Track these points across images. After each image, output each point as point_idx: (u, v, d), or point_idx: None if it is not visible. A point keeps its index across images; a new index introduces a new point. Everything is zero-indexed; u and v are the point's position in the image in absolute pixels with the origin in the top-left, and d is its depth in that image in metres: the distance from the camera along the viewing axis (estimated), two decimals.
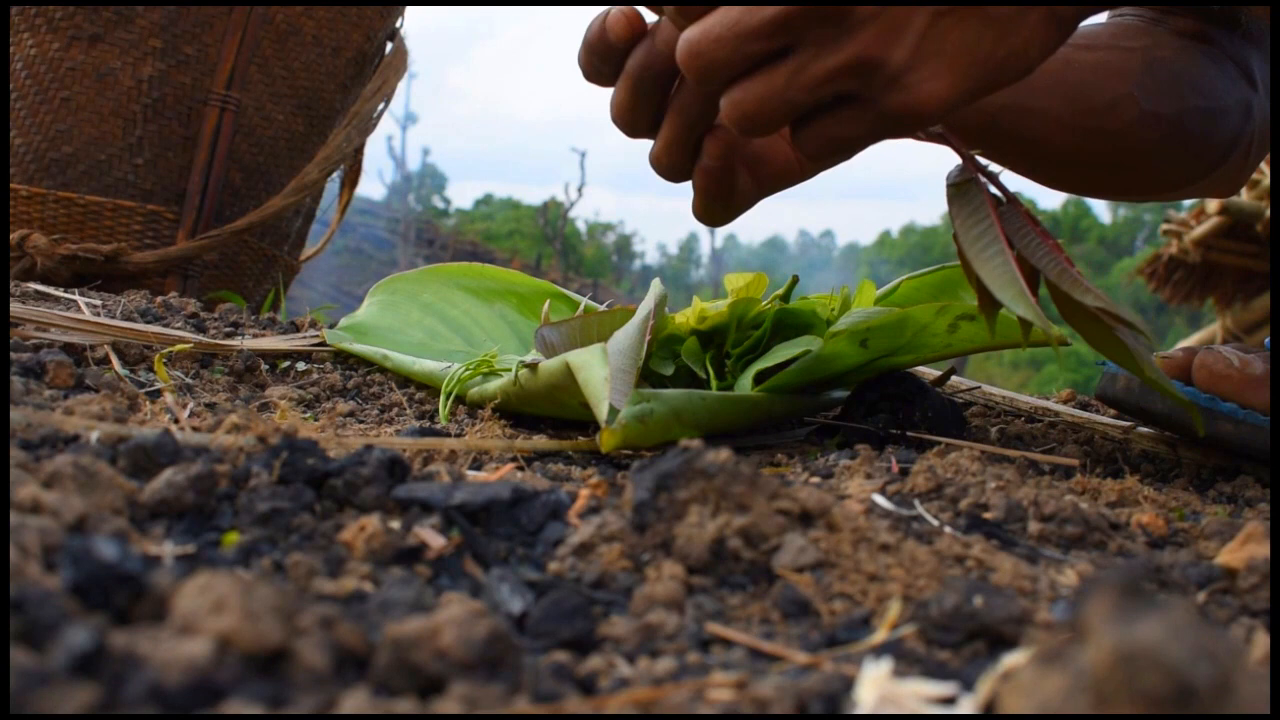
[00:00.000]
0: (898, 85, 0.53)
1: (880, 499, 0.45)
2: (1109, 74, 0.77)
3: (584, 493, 0.42)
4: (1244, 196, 2.99)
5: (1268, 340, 0.84)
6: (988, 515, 0.45)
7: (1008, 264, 0.58)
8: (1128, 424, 0.82)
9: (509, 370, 0.69)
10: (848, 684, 0.26)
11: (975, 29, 0.52)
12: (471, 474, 0.46)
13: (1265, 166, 2.79)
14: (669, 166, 0.63)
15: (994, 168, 0.62)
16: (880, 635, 0.31)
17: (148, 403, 0.60)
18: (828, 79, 0.53)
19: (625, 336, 0.64)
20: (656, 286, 0.74)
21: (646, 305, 0.70)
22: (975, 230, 0.60)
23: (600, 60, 0.62)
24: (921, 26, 0.52)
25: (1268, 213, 2.92)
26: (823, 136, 0.56)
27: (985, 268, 0.59)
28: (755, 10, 0.51)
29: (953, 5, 0.52)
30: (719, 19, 0.53)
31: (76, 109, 1.48)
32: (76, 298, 0.99)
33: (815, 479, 0.53)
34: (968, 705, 0.25)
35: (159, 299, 1.07)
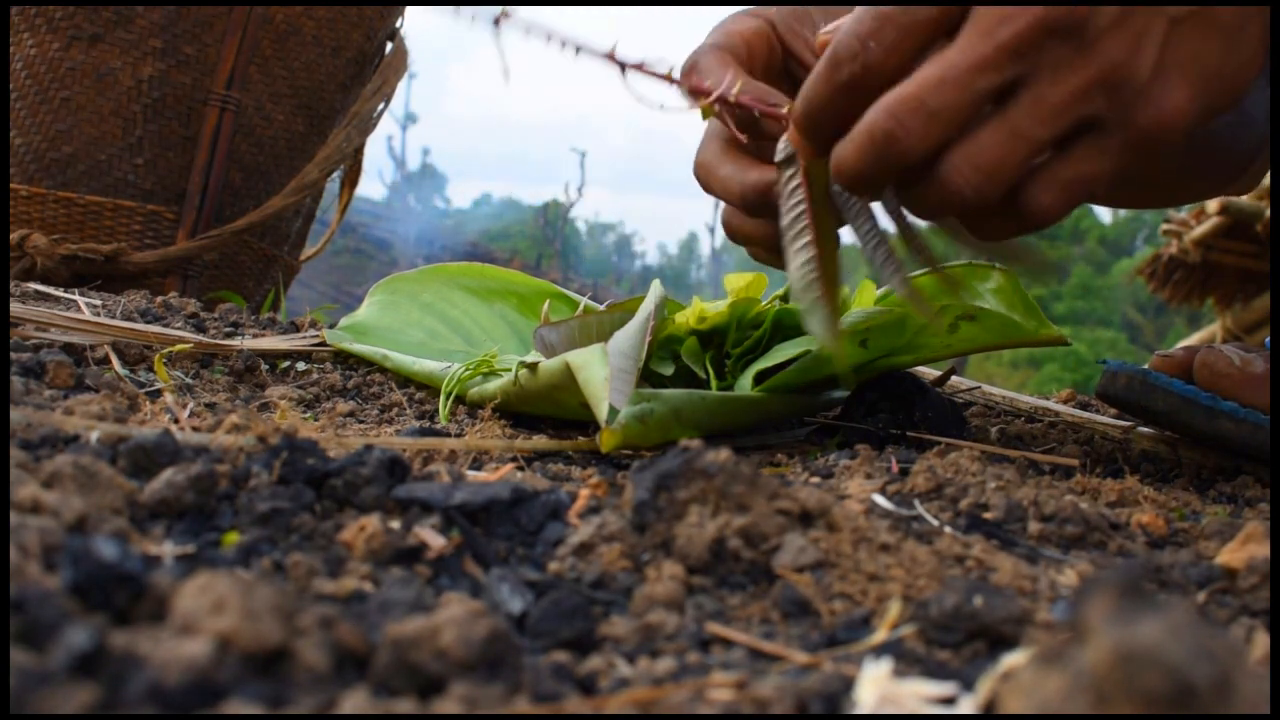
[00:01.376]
0: (1146, 99, 0.47)
1: (880, 499, 0.45)
2: None
3: (584, 493, 0.42)
4: (1244, 196, 2.99)
5: (1268, 340, 0.84)
6: (988, 515, 0.45)
7: (810, 262, 0.53)
8: (1128, 424, 0.82)
9: (509, 370, 0.69)
10: (848, 684, 0.26)
11: (1208, 38, 0.48)
12: (471, 474, 0.46)
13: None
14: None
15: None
16: (880, 635, 0.31)
17: (148, 403, 0.60)
18: (1073, 103, 0.47)
19: (625, 336, 0.64)
20: (656, 287, 0.74)
21: (647, 306, 0.70)
22: (789, 216, 0.55)
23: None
24: (1162, 33, 0.47)
25: (1268, 213, 2.92)
26: (1066, 182, 0.49)
27: (791, 262, 0.54)
28: (987, 38, 0.46)
29: (1187, 13, 0.47)
30: (935, 66, 0.46)
31: (76, 109, 1.48)
32: (76, 298, 0.99)
33: (815, 479, 0.53)
34: (968, 705, 0.25)
35: (159, 299, 1.07)
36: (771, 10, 0.66)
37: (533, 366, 0.65)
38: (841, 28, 0.49)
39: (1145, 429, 0.80)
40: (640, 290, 0.75)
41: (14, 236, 1.41)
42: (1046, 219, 0.50)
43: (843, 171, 0.50)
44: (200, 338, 0.83)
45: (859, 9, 0.49)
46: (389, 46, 1.70)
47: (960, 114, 0.47)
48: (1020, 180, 0.49)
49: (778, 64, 0.65)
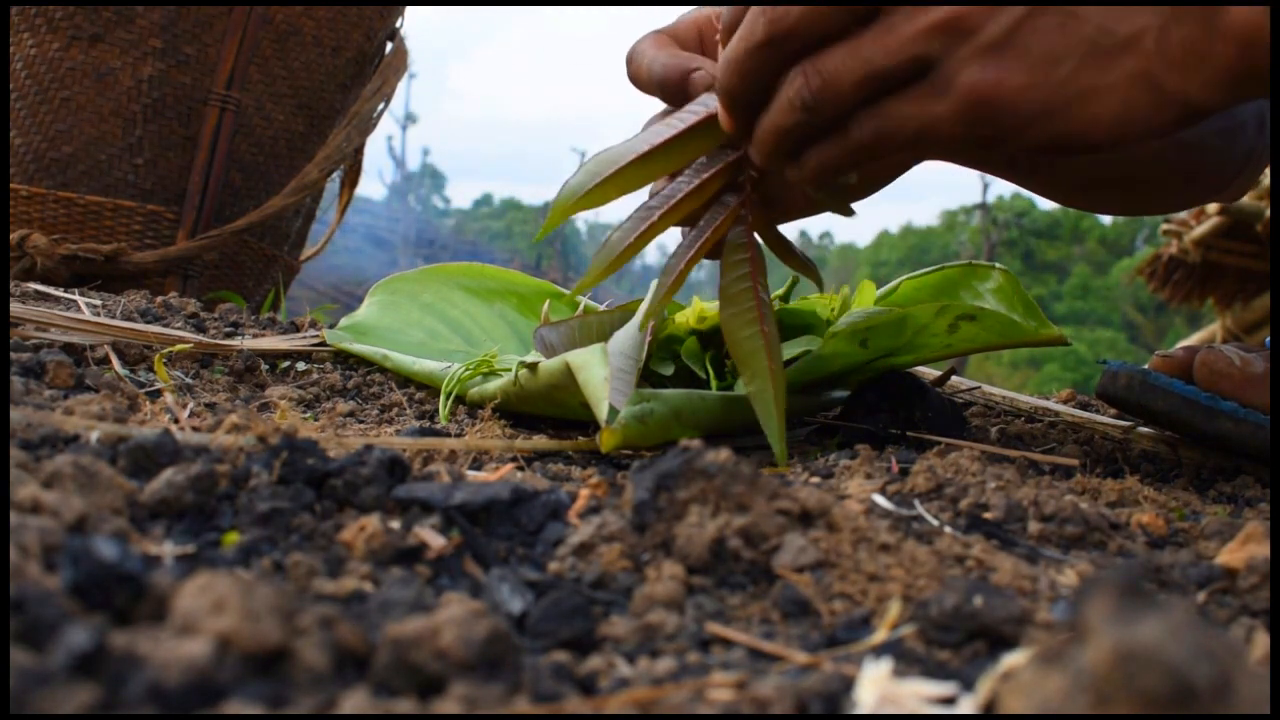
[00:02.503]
0: (980, 62, 0.50)
1: (880, 499, 0.45)
2: None
3: (584, 493, 0.42)
4: (1244, 197, 2.99)
5: (1268, 340, 0.84)
6: (988, 515, 0.45)
7: (763, 363, 0.57)
8: (1128, 424, 0.82)
9: (509, 370, 0.69)
10: (848, 684, 0.26)
11: (1069, 41, 0.49)
12: (471, 474, 0.46)
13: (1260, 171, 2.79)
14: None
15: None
16: (880, 635, 0.31)
17: (148, 403, 0.60)
18: (917, 37, 0.50)
19: (625, 336, 0.64)
20: (655, 286, 0.74)
21: (646, 306, 0.70)
22: (736, 306, 0.59)
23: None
24: (1022, 11, 0.49)
25: (1268, 213, 2.92)
26: (888, 117, 0.52)
27: (740, 349, 0.57)
28: None
29: (1056, 7, 0.49)
30: None
31: (76, 109, 1.48)
32: (76, 298, 0.99)
33: (815, 479, 0.53)
34: (968, 705, 0.25)
35: (159, 299, 1.07)
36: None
37: (533, 366, 0.65)
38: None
39: (1145, 429, 0.80)
40: (640, 290, 0.75)
41: (14, 236, 1.41)
42: (864, 144, 0.53)
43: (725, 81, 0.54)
44: (200, 338, 0.83)
45: None
46: (389, 46, 1.70)
47: (813, 30, 0.51)
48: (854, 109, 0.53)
49: None
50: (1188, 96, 0.49)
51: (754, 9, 0.52)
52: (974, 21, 0.49)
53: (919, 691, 0.26)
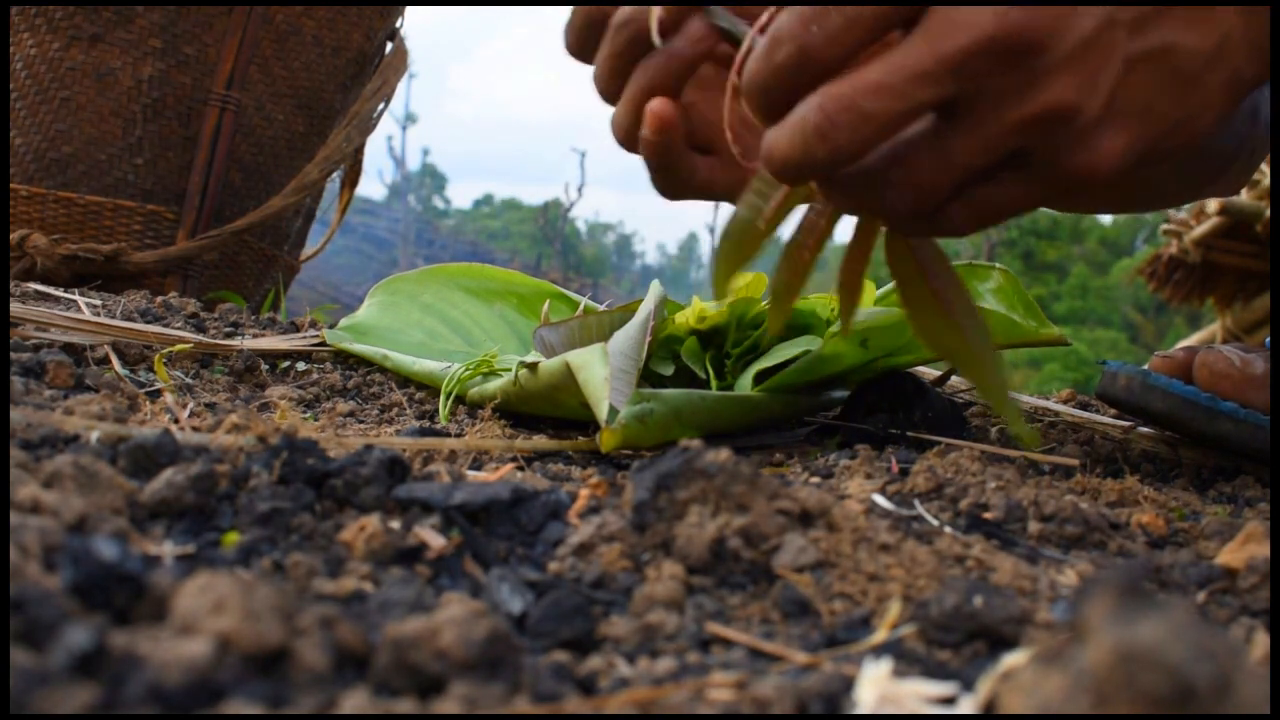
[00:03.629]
0: (1084, 144, 0.46)
1: (880, 499, 0.45)
2: None
3: (584, 493, 0.42)
4: (1244, 196, 2.99)
5: (1268, 340, 0.84)
6: (988, 515, 0.45)
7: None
8: (1128, 424, 0.82)
9: (509, 370, 0.69)
10: (848, 684, 0.26)
11: (1164, 85, 0.46)
12: (471, 474, 0.46)
13: (1265, 166, 2.79)
14: (624, 133, 0.58)
15: None
16: (880, 635, 0.31)
17: (148, 403, 0.60)
18: (1011, 136, 0.45)
19: (625, 337, 0.64)
20: (656, 287, 0.74)
21: (646, 306, 0.70)
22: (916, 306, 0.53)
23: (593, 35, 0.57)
24: (1115, 74, 0.45)
25: (1268, 213, 2.92)
26: (983, 205, 0.48)
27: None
28: (933, 47, 0.43)
29: (1144, 54, 0.45)
30: (876, 68, 0.44)
31: (76, 109, 1.48)
32: (76, 298, 0.99)
33: (815, 479, 0.53)
34: (968, 705, 0.25)
35: (159, 299, 1.07)
36: None
37: (533, 366, 0.65)
38: (788, 7, 0.46)
39: (1145, 429, 0.80)
40: (640, 290, 0.75)
41: (14, 236, 1.41)
42: (956, 232, 0.50)
43: (771, 158, 0.48)
44: (200, 338, 0.83)
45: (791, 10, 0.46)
46: (389, 46, 1.70)
47: (894, 122, 0.45)
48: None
49: None
50: (1256, 77, 0.48)
51: (816, 128, 0.45)
52: (1072, 108, 0.45)
53: (919, 691, 0.26)
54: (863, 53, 0.45)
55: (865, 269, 0.54)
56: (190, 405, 0.62)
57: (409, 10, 1.71)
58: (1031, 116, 0.45)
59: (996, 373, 0.52)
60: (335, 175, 1.62)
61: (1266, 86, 0.79)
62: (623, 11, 0.56)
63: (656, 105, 0.56)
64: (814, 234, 0.53)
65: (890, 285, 0.82)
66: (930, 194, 0.47)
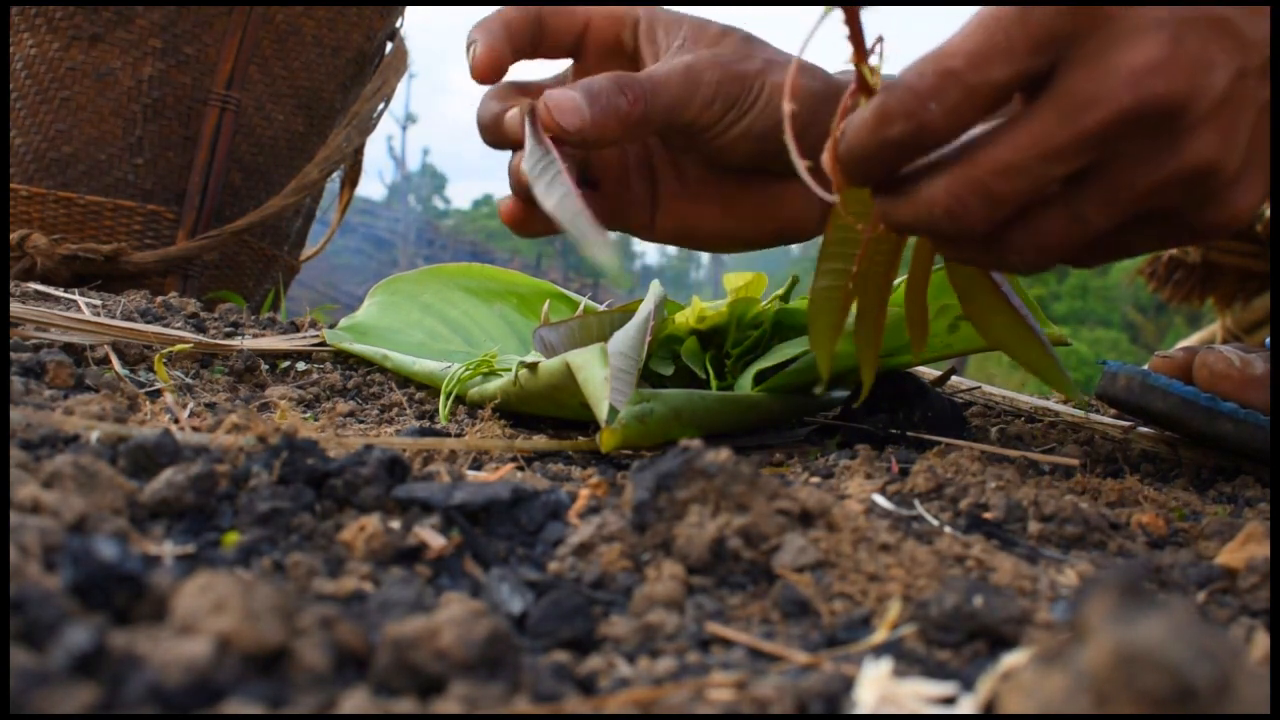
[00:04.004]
0: (1225, 198, 0.44)
1: (880, 499, 0.45)
2: None
3: (584, 493, 0.42)
4: None
5: (1268, 340, 0.84)
6: (988, 515, 0.45)
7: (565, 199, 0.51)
8: (1128, 424, 0.82)
9: (509, 370, 0.69)
10: (848, 684, 0.26)
11: None
12: (471, 474, 0.46)
13: None
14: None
15: None
16: (880, 635, 0.31)
17: (148, 403, 0.60)
18: (1148, 197, 0.43)
19: (625, 337, 0.64)
20: (656, 287, 0.74)
21: (646, 306, 0.70)
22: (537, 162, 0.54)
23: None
24: (1250, 123, 0.43)
25: (1268, 213, 2.92)
26: (1103, 257, 0.47)
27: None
28: (1073, 121, 0.41)
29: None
30: (1004, 146, 0.42)
31: (76, 109, 1.48)
32: (76, 298, 0.99)
33: (815, 479, 0.53)
34: (968, 705, 0.25)
35: (159, 299, 1.07)
36: (642, 8, 0.64)
37: (533, 366, 0.65)
38: (899, 77, 0.43)
39: (1145, 429, 0.80)
40: (640, 290, 0.75)
41: (14, 236, 1.41)
42: (1066, 264, 0.49)
43: (896, 225, 0.47)
44: (200, 338, 0.83)
45: (924, 58, 0.43)
46: (389, 46, 1.70)
47: (1025, 199, 0.43)
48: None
49: (623, 60, 0.64)
50: None
51: (946, 211, 0.44)
52: (1213, 167, 0.43)
53: (919, 691, 0.26)
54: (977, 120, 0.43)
55: (926, 296, 0.54)
56: (190, 405, 0.62)
57: (409, 10, 1.71)
58: (1170, 179, 0.43)
59: (1055, 363, 0.55)
60: (335, 175, 1.62)
61: None
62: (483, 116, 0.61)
63: (502, 205, 0.63)
64: (872, 279, 0.53)
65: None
66: (1057, 254, 0.46)
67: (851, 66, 0.45)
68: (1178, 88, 0.41)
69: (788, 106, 0.45)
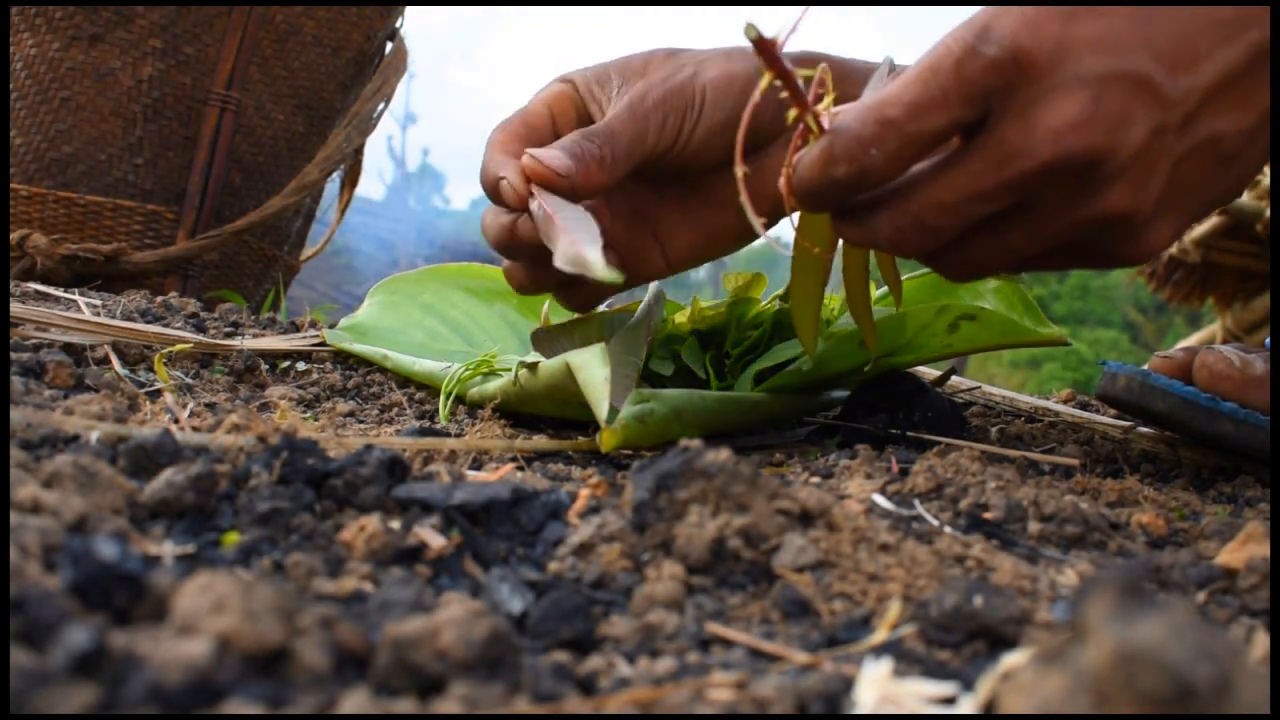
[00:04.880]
0: (1137, 238, 0.49)
1: (880, 499, 0.45)
2: None
3: (584, 493, 0.42)
4: (1244, 196, 2.99)
5: (1268, 340, 0.84)
6: (988, 515, 0.45)
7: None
8: (1128, 424, 0.82)
9: (509, 370, 0.69)
10: (848, 684, 0.26)
11: (1207, 170, 0.48)
12: (471, 474, 0.46)
13: (1265, 167, 2.79)
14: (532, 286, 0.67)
15: None
16: (880, 635, 0.31)
17: (148, 403, 0.60)
18: (1068, 234, 0.48)
19: (625, 336, 0.64)
20: (654, 286, 0.74)
21: (646, 305, 0.70)
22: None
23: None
24: (1165, 174, 0.47)
25: (1268, 213, 2.92)
26: (1020, 268, 0.53)
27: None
28: (1000, 169, 0.46)
29: (1191, 149, 0.47)
30: (946, 186, 0.47)
31: (76, 109, 1.48)
32: (76, 298, 0.99)
33: (815, 479, 0.53)
34: (968, 705, 0.25)
35: (159, 299, 1.07)
36: (575, 73, 0.68)
37: (533, 366, 0.65)
38: (843, 120, 0.47)
39: (1145, 429, 0.80)
40: (640, 290, 0.75)
41: (14, 236, 1.41)
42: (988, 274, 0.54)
43: (849, 242, 0.53)
44: (200, 338, 0.83)
45: (865, 103, 0.47)
46: (389, 46, 1.70)
47: (957, 231, 0.48)
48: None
49: (584, 119, 0.68)
50: None
51: (888, 240, 0.49)
52: (1126, 213, 0.47)
53: (919, 691, 0.26)
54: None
55: (868, 285, 0.60)
56: (190, 405, 0.62)
57: (409, 10, 1.71)
58: (1087, 221, 0.47)
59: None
60: (335, 175, 1.62)
61: None
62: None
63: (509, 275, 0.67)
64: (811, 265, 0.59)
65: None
66: (984, 270, 0.51)
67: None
68: (1096, 143, 0.45)
69: (739, 170, 0.49)
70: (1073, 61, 0.45)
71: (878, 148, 0.46)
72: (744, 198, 0.49)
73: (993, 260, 0.50)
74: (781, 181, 0.51)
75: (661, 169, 0.65)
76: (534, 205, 0.59)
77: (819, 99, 0.49)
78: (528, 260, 0.65)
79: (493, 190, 0.63)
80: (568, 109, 0.68)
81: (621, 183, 0.63)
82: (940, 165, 0.48)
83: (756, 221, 0.50)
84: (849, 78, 0.63)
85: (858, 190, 0.48)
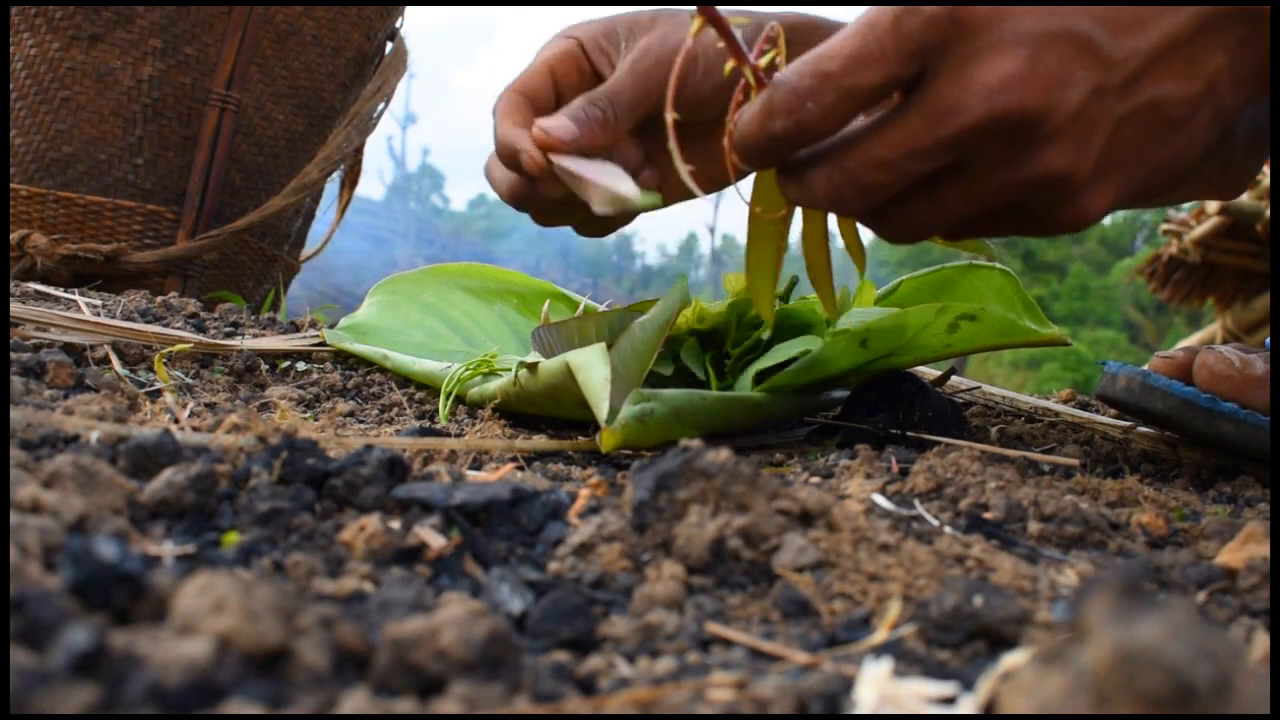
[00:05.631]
0: (1074, 201, 0.48)
1: (880, 499, 0.45)
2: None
3: (584, 493, 0.42)
4: (1244, 196, 2.99)
5: (1268, 340, 0.84)
6: (988, 515, 0.45)
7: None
8: (1128, 424, 0.82)
9: (509, 370, 0.69)
10: (848, 684, 0.26)
11: (1150, 133, 0.48)
12: (471, 474, 0.46)
13: (1265, 167, 2.79)
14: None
15: None
16: (880, 635, 0.31)
17: (148, 403, 0.60)
18: (1004, 194, 0.48)
19: (636, 337, 0.63)
20: (681, 286, 0.71)
21: (666, 304, 0.68)
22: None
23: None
24: (1105, 136, 0.47)
25: (1268, 213, 2.92)
26: (961, 234, 0.52)
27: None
28: (934, 127, 0.46)
29: (1132, 111, 0.47)
30: (882, 143, 0.47)
31: (76, 109, 1.48)
32: (76, 298, 0.99)
33: (815, 479, 0.53)
34: (968, 705, 0.25)
35: (159, 299, 1.07)
36: (581, 29, 0.70)
37: (533, 367, 0.65)
38: (781, 74, 0.48)
39: (1145, 429, 0.80)
40: (640, 291, 0.75)
41: (14, 236, 1.41)
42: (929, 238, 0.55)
43: (790, 201, 0.53)
44: (200, 338, 0.83)
45: (804, 57, 0.47)
46: (389, 46, 1.70)
47: (895, 189, 0.48)
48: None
49: (588, 79, 0.70)
50: (1240, 105, 0.49)
51: (825, 196, 0.50)
52: (1063, 174, 0.47)
53: (919, 691, 0.26)
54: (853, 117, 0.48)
55: (828, 254, 0.60)
56: (190, 405, 0.62)
57: (409, 10, 1.71)
58: (1023, 182, 0.47)
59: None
60: (335, 175, 1.62)
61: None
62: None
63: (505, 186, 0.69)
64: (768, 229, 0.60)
65: (890, 285, 0.82)
66: (922, 231, 0.51)
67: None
68: (1031, 103, 0.45)
69: (669, 116, 0.50)
70: (1011, 20, 0.45)
71: (814, 101, 0.46)
72: (673, 144, 0.50)
73: (930, 221, 0.50)
74: (725, 139, 0.51)
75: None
76: (556, 167, 0.62)
77: (763, 54, 0.50)
78: (541, 207, 0.68)
79: (512, 163, 0.65)
80: (570, 69, 0.69)
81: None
82: (878, 122, 0.47)
83: (684, 169, 0.50)
84: None
85: (796, 145, 0.48)
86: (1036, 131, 0.46)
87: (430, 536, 0.36)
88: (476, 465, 0.54)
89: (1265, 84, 0.49)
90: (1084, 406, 0.95)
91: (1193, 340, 3.97)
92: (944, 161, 0.47)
